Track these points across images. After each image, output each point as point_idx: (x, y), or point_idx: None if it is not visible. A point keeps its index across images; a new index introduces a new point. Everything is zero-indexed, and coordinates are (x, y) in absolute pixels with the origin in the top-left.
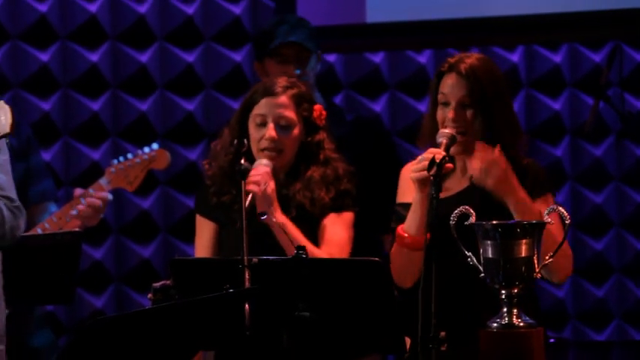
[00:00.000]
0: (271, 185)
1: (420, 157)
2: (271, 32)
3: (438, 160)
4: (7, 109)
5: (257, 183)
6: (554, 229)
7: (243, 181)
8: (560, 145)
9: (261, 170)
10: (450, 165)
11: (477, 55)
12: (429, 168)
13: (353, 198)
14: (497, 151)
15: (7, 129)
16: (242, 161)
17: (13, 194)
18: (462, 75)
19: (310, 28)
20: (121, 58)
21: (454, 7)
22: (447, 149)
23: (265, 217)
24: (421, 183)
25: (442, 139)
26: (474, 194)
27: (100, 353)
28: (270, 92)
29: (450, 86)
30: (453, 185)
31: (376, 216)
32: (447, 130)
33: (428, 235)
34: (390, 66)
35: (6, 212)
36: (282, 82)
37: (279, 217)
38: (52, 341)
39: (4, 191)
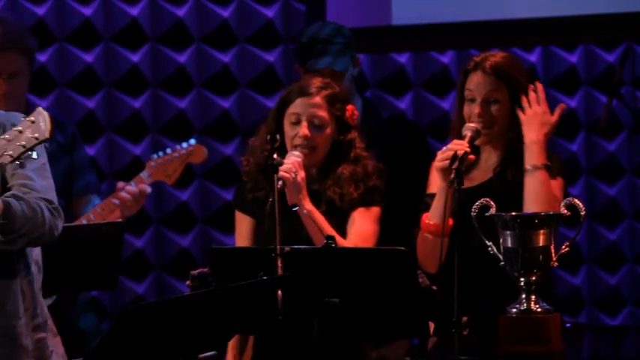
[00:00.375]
0: (301, 174)
1: (444, 148)
2: (307, 48)
3: (459, 155)
4: (45, 115)
5: (288, 171)
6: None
7: (275, 175)
8: (575, 140)
9: (292, 159)
10: (472, 157)
11: (501, 53)
12: (452, 162)
13: (381, 194)
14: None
15: (46, 134)
16: (274, 156)
17: (53, 197)
18: (487, 72)
19: (345, 41)
20: (160, 59)
21: (476, 10)
22: (470, 142)
23: (297, 208)
24: (444, 172)
25: (467, 132)
26: (496, 185)
27: (140, 337)
28: (305, 92)
29: (475, 83)
30: (477, 175)
31: (408, 209)
32: (472, 125)
33: (450, 222)
34: (415, 66)
35: (47, 213)
36: (316, 82)
37: (307, 205)
38: (96, 324)
39: (45, 194)
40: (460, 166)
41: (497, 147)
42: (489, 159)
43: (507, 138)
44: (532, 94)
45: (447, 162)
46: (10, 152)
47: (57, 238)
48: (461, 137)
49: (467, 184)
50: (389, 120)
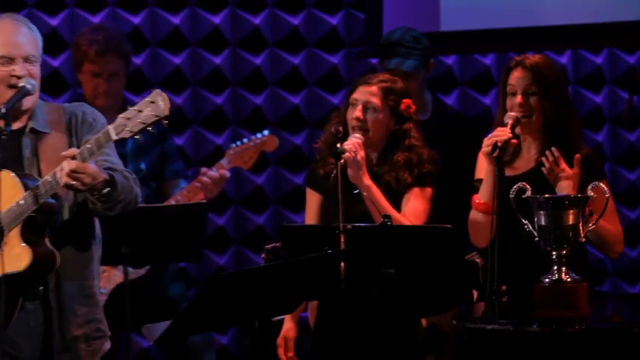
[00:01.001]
0: (361, 153)
1: (490, 135)
2: (390, 49)
3: (500, 144)
4: (164, 95)
5: (349, 150)
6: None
7: (337, 161)
8: (600, 132)
9: (353, 140)
10: (514, 141)
11: (539, 55)
12: (492, 151)
13: (433, 177)
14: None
15: (166, 112)
16: (338, 145)
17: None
18: (527, 68)
19: (423, 48)
20: (239, 62)
21: (513, 18)
22: (512, 128)
23: (357, 191)
24: (490, 156)
25: (508, 120)
26: (536, 175)
27: (221, 302)
28: (365, 82)
29: (516, 78)
30: (520, 165)
31: (459, 192)
32: (513, 113)
33: (476, 198)
34: (460, 67)
35: (133, 183)
36: (379, 76)
37: (366, 180)
38: (184, 291)
39: (122, 168)
40: (501, 154)
41: (537, 138)
42: (530, 150)
43: (545, 132)
44: (550, 158)
45: (491, 147)
46: (129, 128)
47: (136, 206)
48: (504, 126)
49: (511, 172)
50: (455, 115)
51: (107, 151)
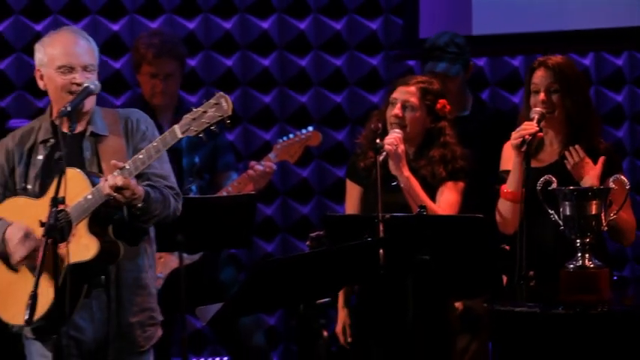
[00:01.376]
0: (401, 147)
1: (518, 129)
2: (436, 52)
3: (528, 138)
4: (227, 97)
5: (390, 144)
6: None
7: (377, 156)
8: (621, 128)
9: (394, 135)
10: (540, 134)
11: (560, 55)
12: (522, 145)
13: (465, 172)
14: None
15: (229, 112)
16: (377, 140)
17: (173, 182)
18: (549, 68)
19: (466, 53)
20: (286, 63)
21: (539, 22)
22: (538, 122)
23: (395, 183)
24: (518, 148)
25: (534, 115)
26: (560, 167)
27: (269, 286)
28: (404, 82)
29: (539, 77)
30: (545, 157)
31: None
32: (538, 109)
33: (503, 187)
34: (491, 68)
35: (171, 199)
36: (417, 77)
37: (405, 172)
38: (235, 276)
39: (167, 181)
40: (529, 149)
41: (559, 133)
42: (553, 143)
43: (567, 127)
44: (575, 155)
45: (520, 140)
46: (194, 127)
47: (177, 218)
48: (529, 121)
49: (536, 164)
50: (493, 113)
51: (155, 163)
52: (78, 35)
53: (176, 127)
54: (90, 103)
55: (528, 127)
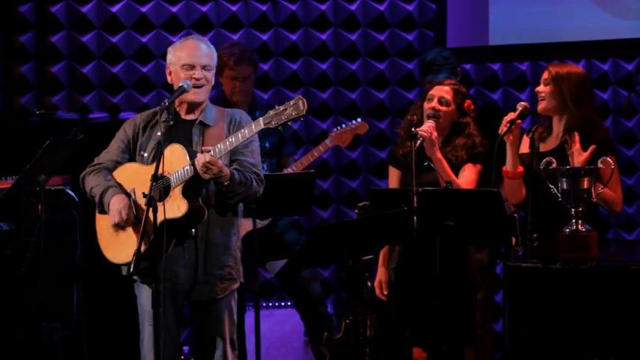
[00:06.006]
0: (434, 134)
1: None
2: (427, 68)
3: (501, 133)
4: (304, 100)
5: (425, 131)
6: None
7: (412, 142)
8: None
9: (429, 124)
10: (519, 121)
11: (564, 63)
12: (506, 132)
13: (483, 157)
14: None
15: (303, 112)
16: (413, 129)
17: (259, 170)
18: (548, 71)
19: (451, 62)
20: (340, 68)
21: (542, 35)
22: (519, 114)
23: (427, 163)
24: (505, 135)
25: (518, 107)
26: (562, 151)
27: (325, 245)
28: (440, 83)
29: (542, 79)
30: (550, 143)
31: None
32: (523, 103)
33: (520, 169)
34: (504, 72)
35: (254, 183)
36: (449, 80)
37: (438, 154)
38: (297, 238)
39: (255, 168)
40: (532, 138)
41: (560, 119)
42: (557, 131)
43: (564, 112)
44: (571, 142)
45: (505, 128)
46: (275, 121)
47: (258, 198)
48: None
49: (543, 148)
50: (488, 107)
51: (246, 152)
52: (200, 42)
53: (261, 119)
54: (202, 96)
55: (507, 117)
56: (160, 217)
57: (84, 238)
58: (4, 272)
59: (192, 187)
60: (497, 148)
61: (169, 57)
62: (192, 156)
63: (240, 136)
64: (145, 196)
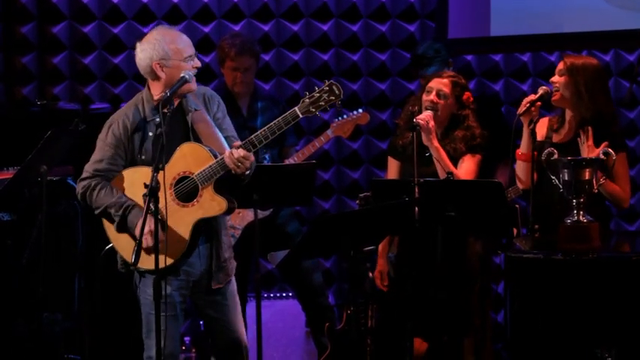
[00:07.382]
0: (431, 123)
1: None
2: (419, 61)
3: (529, 107)
4: (337, 84)
5: (423, 119)
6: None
7: (413, 132)
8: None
9: (426, 113)
10: (539, 103)
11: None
12: (525, 112)
13: (482, 148)
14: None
15: (341, 96)
16: (414, 120)
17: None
18: (564, 62)
19: (442, 55)
20: (341, 59)
21: (543, 26)
22: (539, 98)
23: (429, 153)
24: (523, 115)
25: (539, 91)
26: (575, 144)
27: (327, 236)
28: (439, 75)
29: (557, 69)
30: (562, 135)
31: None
32: (544, 87)
33: (535, 153)
34: (505, 62)
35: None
36: (449, 72)
37: (435, 142)
38: (299, 228)
39: (238, 140)
40: (534, 128)
41: (573, 111)
42: (571, 123)
43: (578, 105)
44: (583, 137)
45: (524, 108)
46: (313, 108)
47: (260, 188)
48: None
49: (557, 139)
50: (489, 97)
51: (229, 128)
52: (179, 31)
53: (296, 108)
54: (187, 87)
55: (528, 98)
56: (192, 217)
57: (85, 229)
58: (6, 263)
59: (223, 183)
60: (514, 128)
61: (160, 53)
62: (215, 152)
63: (275, 128)
64: (146, 186)
